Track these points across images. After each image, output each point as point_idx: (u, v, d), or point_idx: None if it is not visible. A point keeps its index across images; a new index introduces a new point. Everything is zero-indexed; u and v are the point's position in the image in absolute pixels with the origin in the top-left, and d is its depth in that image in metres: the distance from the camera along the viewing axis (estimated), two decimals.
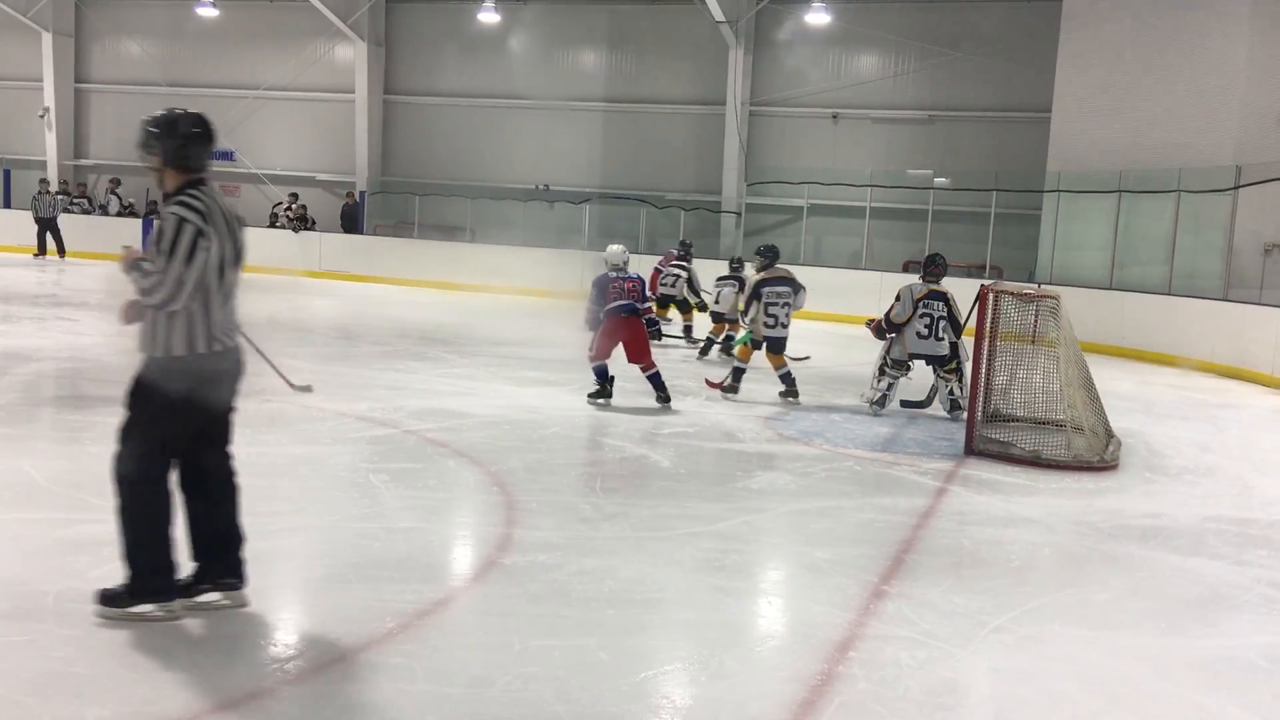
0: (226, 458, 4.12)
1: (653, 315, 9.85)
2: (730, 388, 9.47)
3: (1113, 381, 9.96)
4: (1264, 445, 8.91)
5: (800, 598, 4.74)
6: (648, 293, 9.50)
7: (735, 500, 6.17)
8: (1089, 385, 8.10)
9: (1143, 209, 15.97)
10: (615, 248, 9.07)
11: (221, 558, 4.03)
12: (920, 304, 8.88)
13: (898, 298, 9.03)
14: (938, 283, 9.02)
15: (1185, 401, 11.04)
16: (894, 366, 9.05)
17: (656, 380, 8.82)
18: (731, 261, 12.88)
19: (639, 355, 8.81)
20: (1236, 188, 14.49)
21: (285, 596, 4.47)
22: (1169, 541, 5.79)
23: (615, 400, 8.77)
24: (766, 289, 9.48)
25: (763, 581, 5.02)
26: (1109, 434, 7.96)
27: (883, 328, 9.15)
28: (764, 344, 9.50)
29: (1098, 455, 7.48)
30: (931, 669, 3.86)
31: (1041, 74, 17.87)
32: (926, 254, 9.49)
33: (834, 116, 20.95)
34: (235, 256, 4.00)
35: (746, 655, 3.96)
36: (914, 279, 9.39)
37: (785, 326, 9.50)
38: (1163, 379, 11.99)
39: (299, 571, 4.73)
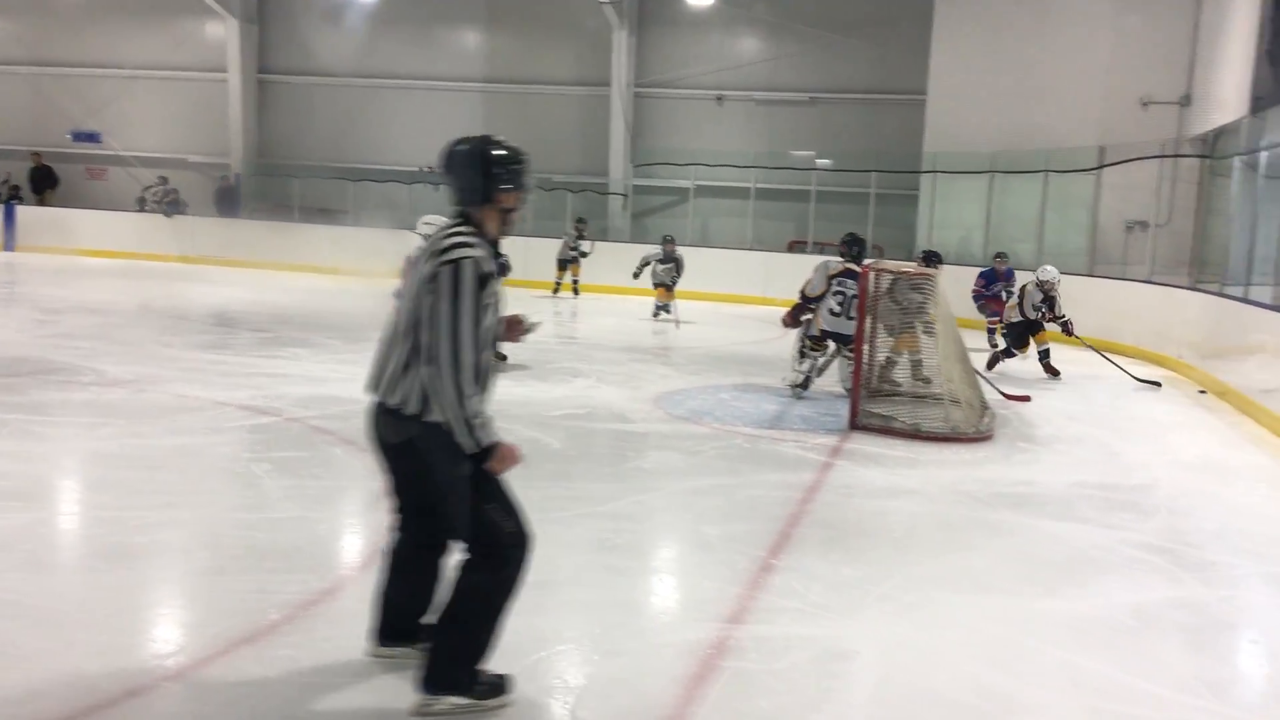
0: None
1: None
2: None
3: (986, 356, 10.34)
4: (1127, 414, 9.34)
5: (691, 574, 4.80)
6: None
7: (626, 480, 6.20)
8: (965, 360, 8.38)
9: (1013, 189, 16.54)
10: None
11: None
12: (835, 281, 8.85)
13: (814, 271, 9.05)
14: (856, 262, 9.00)
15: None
16: (814, 346, 9.07)
17: None
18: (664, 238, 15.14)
19: None
20: (1100, 168, 15.11)
21: (165, 591, 4.34)
22: (1041, 507, 6.03)
23: (507, 383, 8.70)
24: None
25: (654, 559, 5.06)
26: (984, 406, 8.25)
27: (797, 313, 9.10)
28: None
29: (974, 427, 7.74)
30: (819, 638, 3.96)
31: (917, 58, 18.30)
32: (846, 233, 9.56)
33: (718, 98, 21.12)
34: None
35: (639, 632, 3.99)
36: (814, 259, 9.62)
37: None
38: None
39: (179, 565, 4.59)
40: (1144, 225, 14.87)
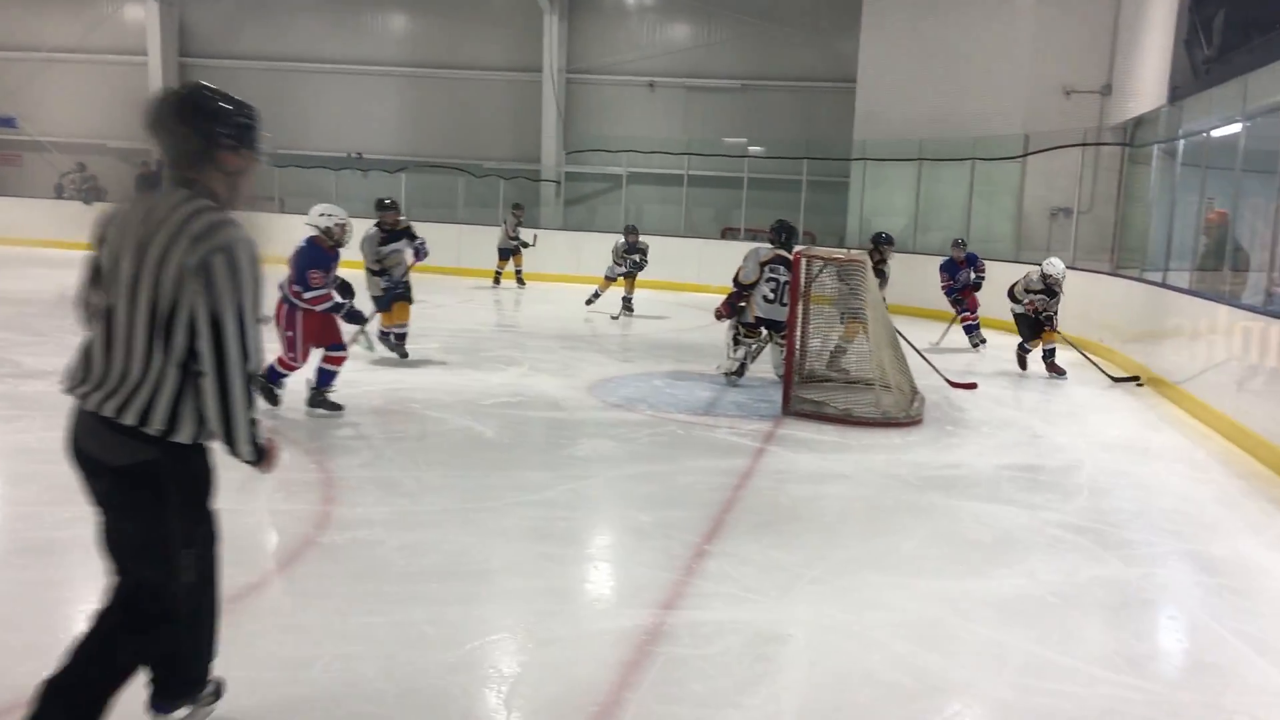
0: None
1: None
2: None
3: (916, 341, 10.43)
4: (1052, 397, 9.54)
5: (625, 561, 4.80)
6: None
7: (561, 468, 6.18)
8: (895, 345, 8.49)
9: (942, 176, 16.78)
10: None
11: None
12: (767, 268, 8.90)
13: (745, 259, 9.06)
14: (786, 249, 9.03)
15: (982, 358, 11.71)
16: (748, 333, 9.10)
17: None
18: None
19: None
20: (1024, 155, 15.39)
21: (81, 589, 4.22)
22: (968, 490, 6.14)
23: (440, 373, 8.64)
24: None
25: (588, 547, 5.06)
26: (913, 391, 8.36)
27: (733, 302, 9.07)
28: None
29: (903, 411, 7.85)
30: (752, 622, 3.99)
31: (848, 45, 18.48)
32: (776, 220, 9.54)
33: (650, 85, 21.12)
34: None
35: (573, 620, 3.99)
36: (746, 245, 9.63)
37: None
38: (962, 337, 12.65)
39: (93, 562, 4.46)
40: (1067, 212, 15.18)
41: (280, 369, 7.11)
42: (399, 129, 21.92)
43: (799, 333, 8.40)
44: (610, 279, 14.30)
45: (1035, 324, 10.51)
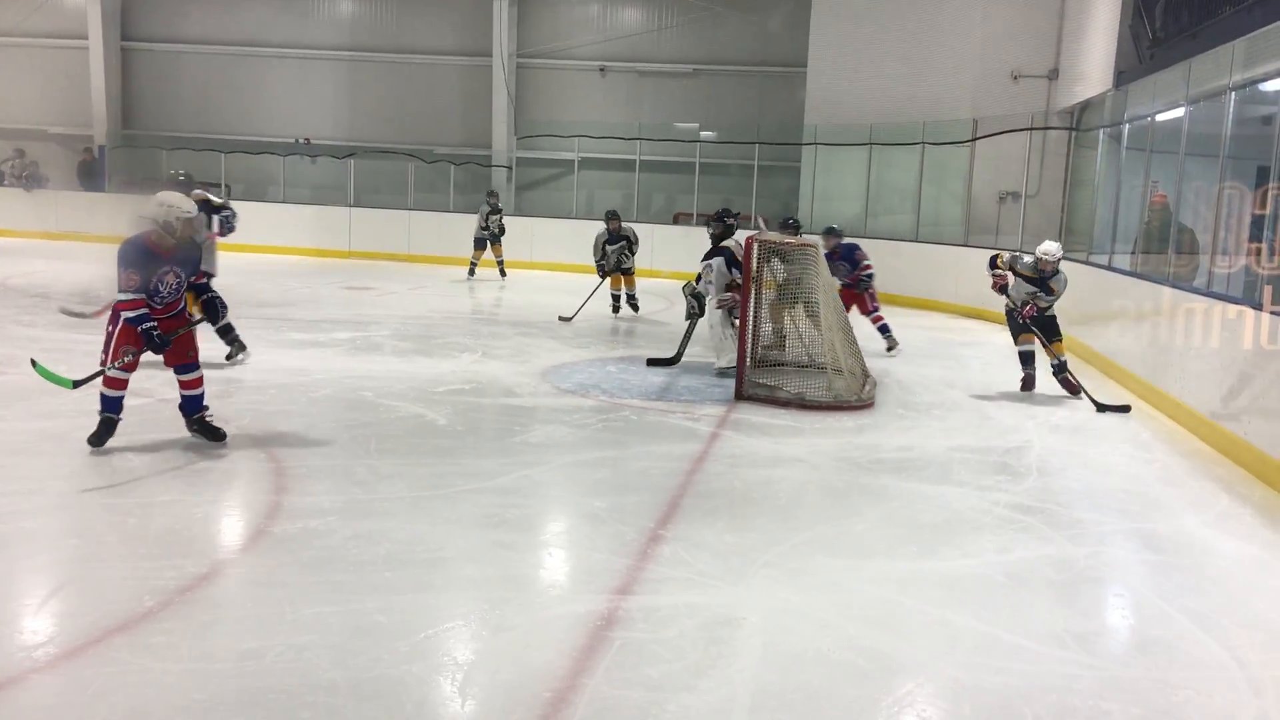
0: None
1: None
2: None
3: (866, 325, 10.52)
4: (1000, 380, 9.65)
5: (580, 547, 4.80)
6: None
7: (514, 455, 6.16)
8: (846, 329, 8.54)
9: (892, 160, 16.89)
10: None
11: None
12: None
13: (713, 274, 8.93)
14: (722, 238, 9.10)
15: (932, 341, 11.82)
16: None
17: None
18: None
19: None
20: (974, 140, 15.53)
21: (33, 579, 4.15)
22: (920, 472, 6.21)
23: (392, 360, 8.56)
24: None
25: (543, 533, 5.04)
26: (865, 374, 8.43)
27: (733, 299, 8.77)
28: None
29: (855, 395, 7.91)
30: (706, 606, 4.00)
31: (798, 30, 18.50)
32: (721, 207, 9.54)
33: (601, 70, 21.03)
34: None
35: (527, 607, 3.98)
36: (698, 230, 9.42)
37: None
38: (913, 320, 12.77)
39: (46, 552, 4.39)
40: (1016, 196, 15.35)
41: (108, 391, 5.77)
42: (348, 114, 21.65)
43: (750, 318, 8.43)
44: (602, 276, 12.58)
45: (1042, 327, 8.64)
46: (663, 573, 4.33)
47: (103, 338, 5.87)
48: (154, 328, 5.74)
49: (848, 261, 10.64)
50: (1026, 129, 14.78)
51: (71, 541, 4.47)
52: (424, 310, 12.55)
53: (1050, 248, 8.50)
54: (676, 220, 19.39)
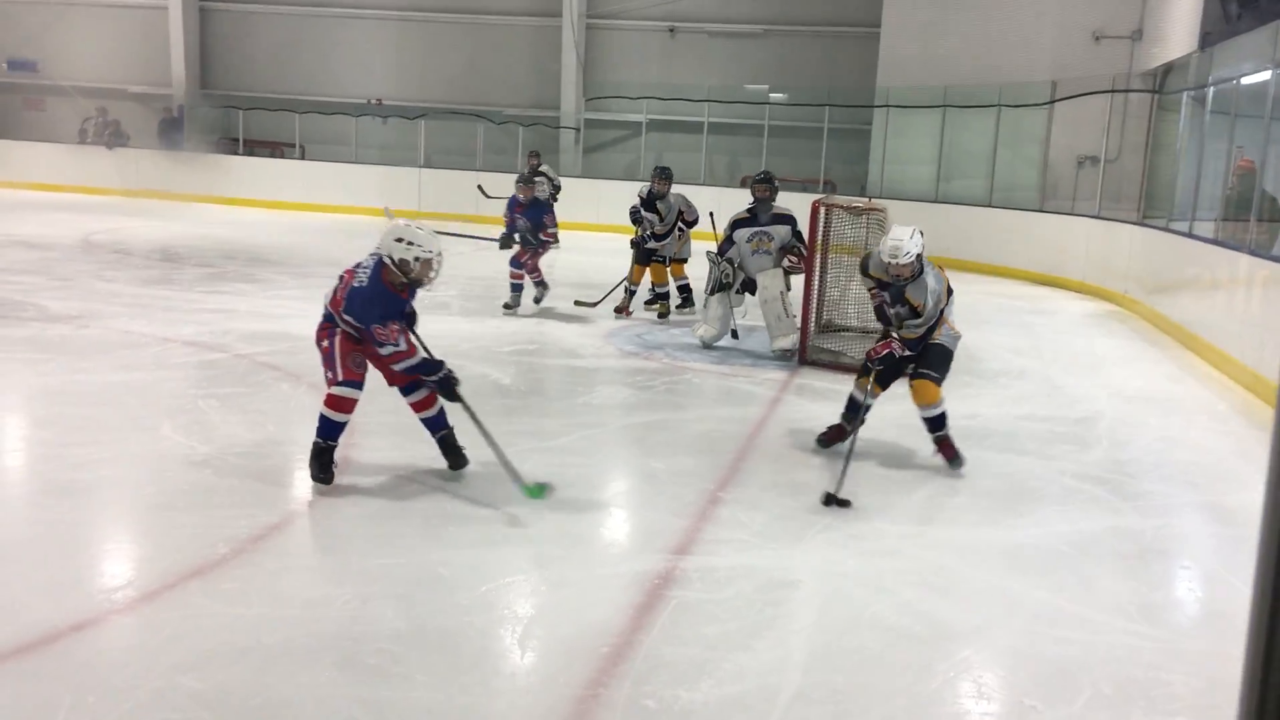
0: None
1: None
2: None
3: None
4: (1072, 349, 9.48)
5: (638, 507, 4.85)
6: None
7: (575, 415, 6.22)
8: None
9: (966, 124, 16.55)
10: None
11: None
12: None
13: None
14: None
15: (1002, 308, 11.62)
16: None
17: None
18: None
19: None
20: (1052, 102, 15.15)
21: (112, 527, 4.32)
22: (984, 440, 6.14)
23: (457, 320, 8.66)
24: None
25: (602, 493, 5.09)
26: None
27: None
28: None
29: None
30: (763, 568, 4.03)
31: None
32: (763, 169, 9.37)
33: (670, 30, 20.86)
34: None
35: (586, 564, 4.04)
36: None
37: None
38: (983, 287, 12.56)
39: (125, 500, 4.56)
40: (1094, 160, 14.96)
41: (332, 414, 4.82)
42: (418, 75, 21.77)
43: (817, 282, 8.36)
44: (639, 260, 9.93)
45: (896, 363, 5.51)
46: (720, 534, 4.36)
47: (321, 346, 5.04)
48: (449, 374, 4.93)
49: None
50: (1108, 91, 14.37)
51: (149, 490, 4.62)
52: (489, 271, 12.65)
53: (898, 239, 5.28)
54: (743, 184, 19.23)
